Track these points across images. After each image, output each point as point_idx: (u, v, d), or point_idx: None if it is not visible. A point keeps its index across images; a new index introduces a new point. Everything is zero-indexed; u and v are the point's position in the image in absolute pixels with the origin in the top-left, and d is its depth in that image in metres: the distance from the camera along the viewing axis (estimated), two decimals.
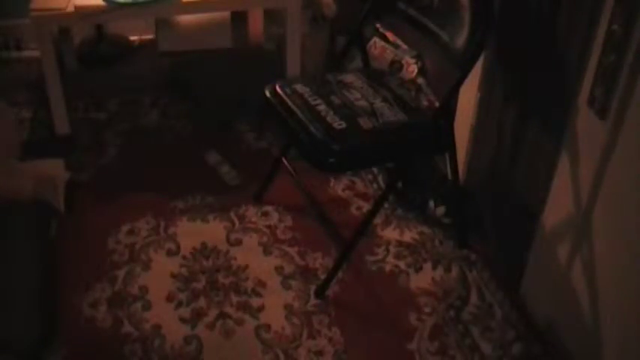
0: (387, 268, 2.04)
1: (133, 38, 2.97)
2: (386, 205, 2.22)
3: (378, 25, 2.59)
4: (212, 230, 2.16)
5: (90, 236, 2.12)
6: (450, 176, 2.04)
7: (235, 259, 2.05)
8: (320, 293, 1.93)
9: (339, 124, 1.80)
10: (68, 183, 2.26)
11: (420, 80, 2.39)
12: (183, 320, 1.85)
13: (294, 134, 1.84)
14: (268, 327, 1.83)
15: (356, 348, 1.78)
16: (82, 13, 2.41)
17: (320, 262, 2.04)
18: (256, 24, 2.93)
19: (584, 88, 1.54)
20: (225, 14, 2.80)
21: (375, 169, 2.44)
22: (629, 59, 1.39)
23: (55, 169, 2.24)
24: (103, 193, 2.32)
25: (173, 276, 1.99)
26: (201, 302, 1.90)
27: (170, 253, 2.07)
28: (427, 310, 1.90)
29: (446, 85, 1.84)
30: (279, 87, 1.98)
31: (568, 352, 1.73)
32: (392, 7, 2.08)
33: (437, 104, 2.25)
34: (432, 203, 2.22)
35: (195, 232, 2.15)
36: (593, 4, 1.51)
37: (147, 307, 1.88)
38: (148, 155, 2.52)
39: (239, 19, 2.89)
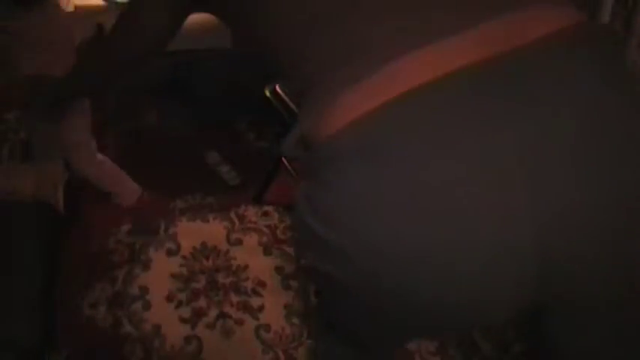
0: None
1: None
2: None
3: None
4: (212, 230, 2.16)
5: (90, 236, 2.12)
6: None
7: (235, 259, 2.05)
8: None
9: None
10: (68, 183, 2.25)
11: None
12: (183, 320, 1.85)
13: None
14: (268, 327, 1.83)
15: None
16: (82, 13, 2.41)
17: None
18: None
19: None
20: None
21: None
22: (629, 59, 1.39)
23: (55, 169, 2.24)
24: (103, 193, 2.32)
25: (173, 276, 1.98)
26: (201, 302, 1.90)
27: (170, 253, 2.07)
28: None
29: None
30: (279, 87, 1.98)
31: None
32: None
33: None
34: None
35: (195, 232, 2.15)
36: (593, 4, 1.51)
37: (147, 307, 1.88)
38: (148, 155, 2.52)
39: None
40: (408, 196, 0.79)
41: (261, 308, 1.89)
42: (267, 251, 2.08)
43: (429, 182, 0.79)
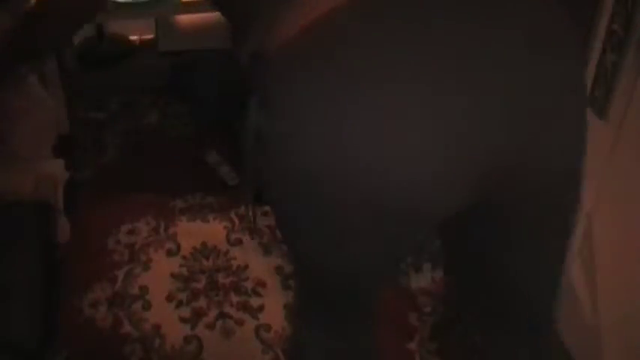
0: None
1: (133, 38, 2.97)
2: None
3: None
4: (212, 230, 2.16)
5: (90, 236, 2.12)
6: None
7: (235, 259, 2.05)
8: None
9: None
10: (68, 183, 2.25)
11: None
12: (183, 320, 1.85)
13: None
14: (268, 327, 1.83)
15: None
16: None
17: None
18: None
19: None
20: None
21: None
22: (629, 59, 1.39)
23: (55, 169, 2.24)
24: (103, 193, 2.32)
25: (173, 276, 1.99)
26: (201, 302, 1.90)
27: (170, 253, 2.07)
28: (427, 310, 1.90)
29: None
30: None
31: (568, 352, 1.73)
32: None
33: None
34: None
35: (195, 232, 2.15)
36: (593, 4, 1.51)
37: (147, 307, 1.89)
38: (148, 155, 2.52)
39: None
40: (358, 103, 0.81)
41: (261, 308, 1.89)
42: (267, 251, 2.08)
43: (379, 90, 0.81)
